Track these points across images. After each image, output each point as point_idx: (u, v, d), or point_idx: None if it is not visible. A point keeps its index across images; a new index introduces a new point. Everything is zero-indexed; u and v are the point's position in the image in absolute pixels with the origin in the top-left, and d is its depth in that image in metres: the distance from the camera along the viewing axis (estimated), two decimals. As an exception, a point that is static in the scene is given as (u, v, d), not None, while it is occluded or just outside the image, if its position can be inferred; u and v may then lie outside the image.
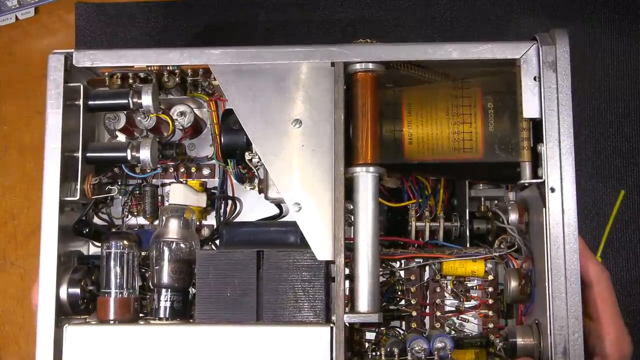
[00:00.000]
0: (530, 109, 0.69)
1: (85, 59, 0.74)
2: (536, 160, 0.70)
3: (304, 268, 0.70)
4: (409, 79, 0.75)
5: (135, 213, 0.83)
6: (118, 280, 0.72)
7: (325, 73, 0.72)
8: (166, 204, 0.81)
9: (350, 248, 0.71)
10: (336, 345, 0.68)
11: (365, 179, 0.70)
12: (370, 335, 0.78)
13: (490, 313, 0.78)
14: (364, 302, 0.69)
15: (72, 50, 0.74)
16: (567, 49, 0.70)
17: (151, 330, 0.70)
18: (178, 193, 0.77)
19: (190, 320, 0.73)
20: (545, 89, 0.69)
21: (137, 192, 0.83)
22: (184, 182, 0.82)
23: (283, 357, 0.68)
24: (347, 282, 0.71)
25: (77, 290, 0.72)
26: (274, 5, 1.04)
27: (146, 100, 0.75)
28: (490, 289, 0.78)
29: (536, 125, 0.70)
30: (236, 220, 0.82)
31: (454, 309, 0.79)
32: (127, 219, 0.83)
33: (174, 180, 0.82)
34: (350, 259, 0.71)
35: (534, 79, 0.70)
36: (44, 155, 0.72)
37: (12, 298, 0.94)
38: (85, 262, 0.76)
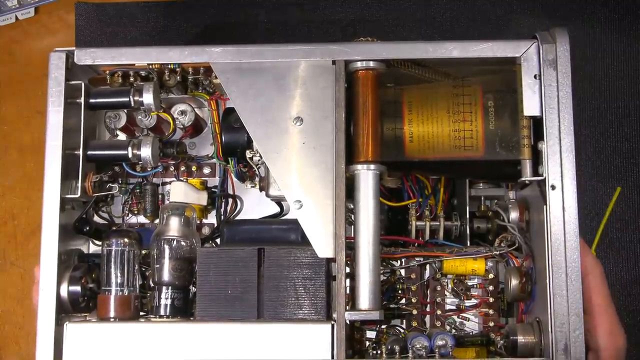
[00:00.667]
0: (530, 106, 0.69)
1: (86, 56, 0.75)
2: (537, 158, 0.70)
3: (304, 265, 0.70)
4: (410, 79, 0.75)
5: (136, 212, 0.83)
6: (118, 278, 0.72)
7: (326, 71, 0.72)
8: (167, 202, 0.81)
9: (350, 247, 0.71)
10: (337, 342, 0.68)
11: (366, 177, 0.70)
12: (371, 335, 0.78)
13: (491, 311, 0.78)
14: (364, 299, 0.69)
15: (74, 48, 0.74)
16: (567, 48, 0.70)
17: (152, 328, 0.70)
18: (179, 191, 0.77)
19: (191, 318, 0.73)
20: (545, 87, 0.69)
21: (138, 190, 0.83)
22: (185, 180, 0.82)
23: (284, 354, 0.68)
24: (347, 280, 0.72)
25: (78, 288, 0.72)
26: (274, 5, 1.04)
27: (147, 98, 0.75)
28: (491, 288, 0.78)
29: (537, 123, 0.70)
30: (237, 218, 0.82)
31: (454, 307, 0.79)
32: (127, 218, 0.83)
33: (174, 179, 0.82)
34: (351, 258, 0.71)
35: (535, 77, 0.70)
36: (45, 153, 0.72)
37: (12, 298, 0.94)
38: (85, 261, 0.76)
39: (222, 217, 0.82)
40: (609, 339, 0.67)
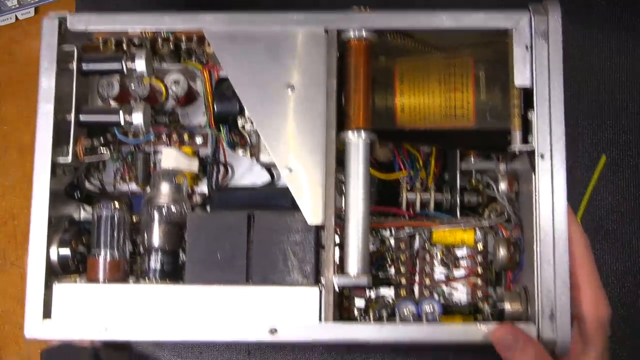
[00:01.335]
0: (521, 77, 0.70)
1: (80, 22, 0.75)
2: (527, 128, 0.70)
3: (294, 231, 0.71)
4: (402, 51, 0.75)
5: (128, 179, 0.83)
6: (108, 242, 0.73)
7: (318, 40, 0.72)
8: (158, 169, 0.81)
9: (341, 217, 0.71)
10: (325, 306, 0.68)
11: (357, 144, 0.71)
12: (360, 304, 0.79)
13: (479, 282, 0.78)
14: (353, 265, 0.69)
15: (66, 12, 0.74)
16: (559, 19, 0.71)
17: (140, 289, 0.71)
18: (170, 157, 0.77)
19: (180, 282, 0.73)
20: (536, 58, 0.70)
21: (130, 158, 0.83)
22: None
23: (272, 317, 0.69)
24: (337, 249, 0.72)
25: (67, 251, 0.72)
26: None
27: (140, 64, 0.75)
28: (480, 259, 0.78)
29: (527, 94, 0.71)
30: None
31: (443, 277, 0.79)
32: (119, 186, 0.83)
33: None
34: (341, 227, 0.72)
35: (526, 47, 0.70)
36: (37, 118, 0.72)
37: (12, 298, 0.94)
38: (76, 225, 0.77)
39: (214, 185, 0.82)
40: (593, 308, 0.67)
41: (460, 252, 0.79)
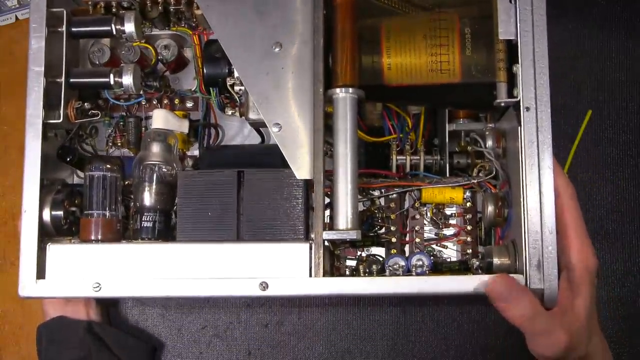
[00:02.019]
0: (505, 30, 0.70)
1: (67, -17, 0.75)
2: (512, 82, 0.71)
3: (283, 188, 0.72)
4: (387, 11, 0.76)
5: (119, 144, 0.84)
6: (101, 202, 0.73)
7: (305, -3, 0.73)
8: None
9: (330, 179, 0.72)
10: (315, 261, 0.69)
11: (345, 101, 0.71)
12: (351, 264, 0.80)
13: (469, 239, 0.79)
14: (342, 220, 0.70)
15: (54, -25, 0.75)
16: (542, -27, 0.71)
17: (133, 248, 0.71)
18: (160, 118, 0.78)
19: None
20: (520, 11, 0.70)
21: (122, 123, 0.84)
22: (167, 112, 0.83)
23: (263, 273, 0.69)
24: (327, 211, 0.73)
25: (60, 211, 0.73)
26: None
27: (129, 27, 0.76)
28: (469, 216, 0.79)
29: (512, 48, 0.71)
30: (218, 146, 0.84)
31: (433, 236, 0.80)
32: (111, 151, 0.84)
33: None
34: (330, 188, 0.72)
35: (510, 1, 0.71)
36: (27, 80, 0.73)
37: (12, 298, 0.95)
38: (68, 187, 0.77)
39: (205, 148, 0.83)
40: (580, 257, 0.68)
41: (450, 211, 0.80)
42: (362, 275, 0.73)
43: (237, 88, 0.76)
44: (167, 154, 0.76)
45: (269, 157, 0.75)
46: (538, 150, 0.69)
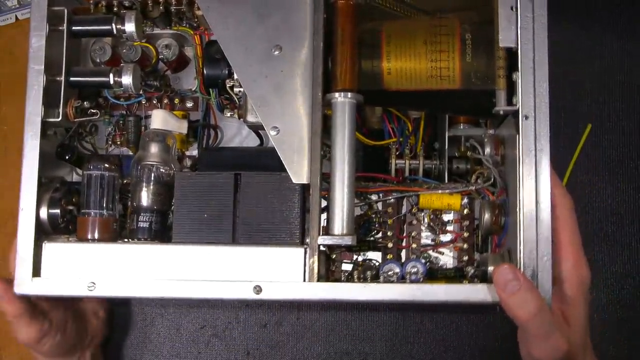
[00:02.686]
0: (506, 37, 0.70)
1: (68, -19, 0.76)
2: (511, 90, 0.71)
3: (280, 191, 0.71)
4: (388, 15, 0.75)
5: (119, 143, 0.84)
6: (98, 201, 0.74)
7: (305, 0, 0.73)
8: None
9: (327, 181, 0.72)
10: (309, 266, 0.69)
11: (343, 105, 0.71)
12: (347, 268, 0.79)
13: (466, 246, 0.79)
14: (338, 225, 0.69)
15: (55, -26, 0.75)
16: (543, -20, 0.71)
17: (128, 248, 0.71)
18: (159, 118, 0.78)
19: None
20: (521, 19, 0.70)
21: (121, 122, 0.84)
22: (167, 112, 0.83)
23: (258, 276, 0.69)
24: (323, 215, 0.73)
25: (57, 210, 0.73)
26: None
27: (129, 26, 0.76)
28: (466, 223, 0.79)
29: (512, 56, 0.71)
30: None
31: (430, 242, 0.80)
32: (110, 149, 0.85)
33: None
34: (327, 191, 0.72)
35: (511, 8, 0.70)
36: (27, 78, 0.73)
37: None
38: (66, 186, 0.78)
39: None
40: (573, 271, 0.68)
41: (447, 217, 0.80)
42: (356, 280, 0.72)
43: (236, 90, 0.76)
44: (165, 154, 0.76)
45: (267, 160, 0.74)
46: (536, 159, 0.68)
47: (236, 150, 0.80)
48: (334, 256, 0.77)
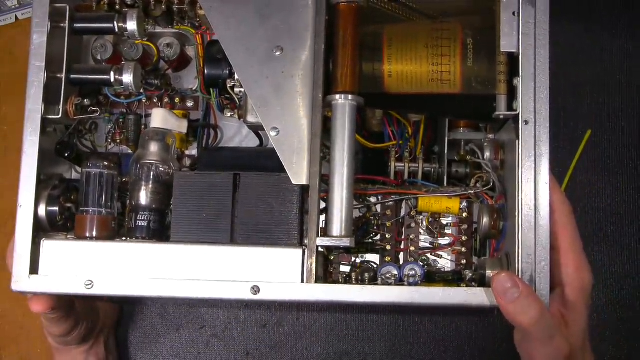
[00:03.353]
0: (507, 42, 0.70)
1: (70, -21, 0.75)
2: (512, 95, 0.71)
3: (279, 192, 0.71)
4: (390, 18, 0.76)
5: (118, 141, 0.84)
6: (97, 199, 0.74)
7: (308, 2, 0.73)
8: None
9: (326, 182, 0.72)
10: (307, 268, 0.69)
11: (344, 107, 0.71)
12: (345, 270, 0.79)
13: (464, 250, 0.79)
14: (337, 227, 0.69)
15: (58, -29, 0.75)
16: (546, -13, 0.71)
17: (126, 247, 0.71)
18: (159, 117, 0.78)
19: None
20: (523, 24, 0.70)
21: (121, 120, 0.84)
22: (167, 111, 0.83)
23: (255, 277, 0.69)
24: (322, 216, 0.73)
25: (55, 207, 0.73)
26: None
27: (131, 25, 0.75)
28: (465, 227, 0.79)
29: (513, 61, 0.71)
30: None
31: (428, 245, 0.80)
32: (110, 147, 0.84)
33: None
34: (326, 192, 0.72)
35: (513, 14, 0.70)
36: (28, 74, 0.73)
37: (12, 298, 0.93)
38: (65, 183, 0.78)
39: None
40: (575, 275, 0.68)
41: (446, 221, 0.80)
42: (354, 282, 0.72)
43: (237, 90, 0.76)
44: (164, 153, 0.76)
45: (267, 160, 0.74)
46: (535, 164, 0.68)
47: (236, 151, 0.80)
48: (332, 258, 0.77)
